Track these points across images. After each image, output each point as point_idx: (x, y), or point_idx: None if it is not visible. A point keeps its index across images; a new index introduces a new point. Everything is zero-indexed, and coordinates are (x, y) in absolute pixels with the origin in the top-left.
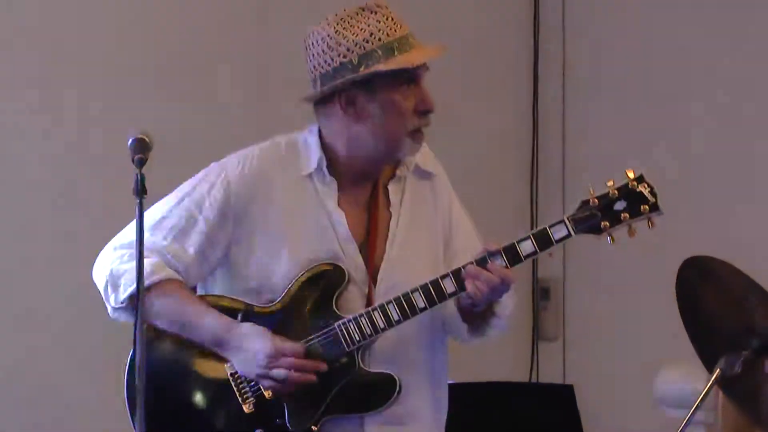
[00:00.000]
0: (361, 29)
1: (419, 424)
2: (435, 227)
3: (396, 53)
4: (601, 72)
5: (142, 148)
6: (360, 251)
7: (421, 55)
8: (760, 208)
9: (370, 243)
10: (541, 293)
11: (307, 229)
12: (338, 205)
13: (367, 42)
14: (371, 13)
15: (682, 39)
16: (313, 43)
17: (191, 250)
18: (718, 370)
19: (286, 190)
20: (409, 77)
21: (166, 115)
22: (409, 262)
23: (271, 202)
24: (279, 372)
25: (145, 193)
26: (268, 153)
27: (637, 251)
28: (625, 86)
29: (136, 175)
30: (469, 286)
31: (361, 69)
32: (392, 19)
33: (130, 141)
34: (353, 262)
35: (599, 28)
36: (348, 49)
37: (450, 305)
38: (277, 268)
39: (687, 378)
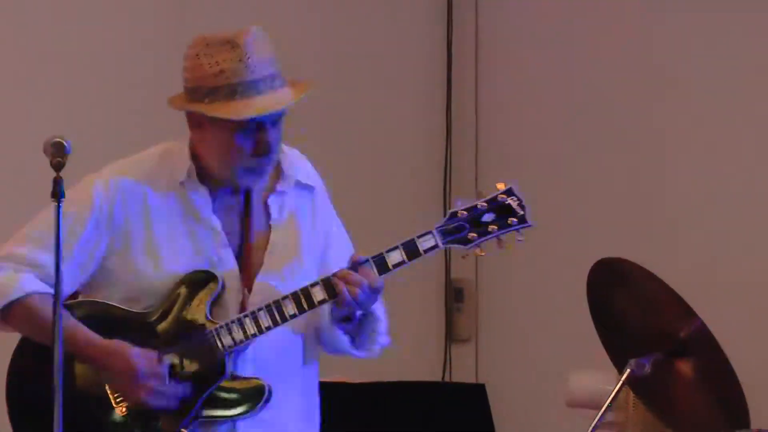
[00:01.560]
0: (216, 62)
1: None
2: (314, 241)
3: (237, 97)
4: (514, 65)
5: (59, 152)
6: (237, 259)
7: (259, 106)
8: (672, 210)
9: (246, 251)
10: (454, 294)
11: (183, 236)
12: (213, 212)
13: (217, 78)
14: (232, 47)
15: (595, 37)
16: (186, 56)
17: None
18: (628, 370)
19: (160, 199)
20: (246, 123)
21: (81, 116)
22: (286, 274)
23: (144, 212)
24: (138, 394)
25: (63, 197)
26: (140, 164)
27: (550, 253)
28: (539, 80)
29: (54, 179)
30: (339, 286)
31: (205, 101)
32: (250, 59)
33: (48, 144)
34: (229, 269)
35: (513, 18)
36: (201, 78)
37: (327, 320)
38: (153, 276)
39: (598, 379)
